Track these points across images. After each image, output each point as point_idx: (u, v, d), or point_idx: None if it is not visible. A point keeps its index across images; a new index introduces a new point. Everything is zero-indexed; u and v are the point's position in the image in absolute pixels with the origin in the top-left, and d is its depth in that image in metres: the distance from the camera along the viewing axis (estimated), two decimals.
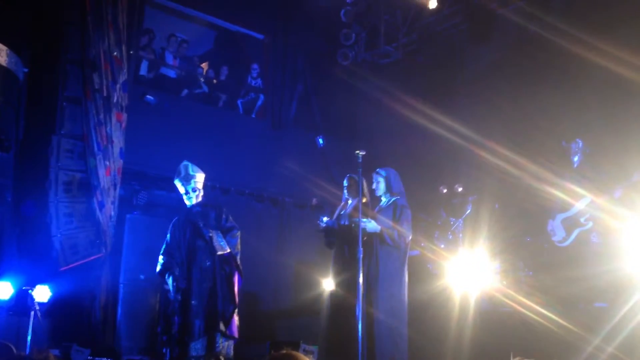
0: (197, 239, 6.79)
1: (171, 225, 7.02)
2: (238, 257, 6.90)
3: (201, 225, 6.77)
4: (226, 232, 6.86)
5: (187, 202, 7.00)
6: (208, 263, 6.76)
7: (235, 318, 6.77)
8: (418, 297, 7.61)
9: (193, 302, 6.63)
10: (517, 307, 7.23)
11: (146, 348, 8.86)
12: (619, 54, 7.31)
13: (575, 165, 7.59)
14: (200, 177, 7.03)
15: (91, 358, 7.37)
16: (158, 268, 6.85)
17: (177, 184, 7.01)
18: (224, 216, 6.98)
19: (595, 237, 7.34)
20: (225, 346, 6.75)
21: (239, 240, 6.92)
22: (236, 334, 6.74)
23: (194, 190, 6.95)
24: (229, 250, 6.78)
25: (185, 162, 7.02)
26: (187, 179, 6.94)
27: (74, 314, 8.18)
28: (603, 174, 7.35)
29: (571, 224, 7.52)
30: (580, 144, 7.56)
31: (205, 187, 10.20)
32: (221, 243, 6.75)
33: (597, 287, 6.67)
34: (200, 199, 7.01)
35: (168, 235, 6.94)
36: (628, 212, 6.85)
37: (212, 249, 6.71)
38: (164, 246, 6.91)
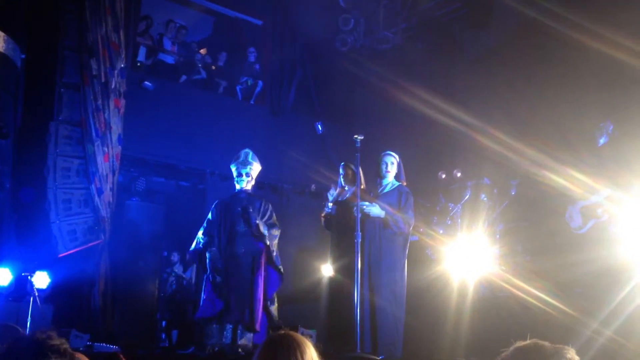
0: (238, 225, 6.91)
1: (214, 205, 7.15)
2: (275, 255, 6.98)
3: (250, 210, 6.87)
4: (269, 227, 6.98)
5: (237, 186, 7.13)
6: (243, 250, 6.86)
7: (260, 311, 6.81)
8: (417, 282, 7.63)
9: (224, 289, 6.72)
10: (515, 292, 7.25)
11: (144, 333, 8.90)
12: (618, 39, 7.29)
13: (599, 145, 7.52)
14: (256, 167, 7.18)
15: (90, 343, 7.37)
16: (193, 246, 7.00)
17: (232, 167, 7.16)
18: (269, 212, 7.11)
19: (608, 229, 7.28)
20: (246, 338, 6.81)
21: (276, 240, 7.01)
22: (259, 328, 6.79)
23: (247, 175, 7.06)
24: (268, 244, 6.88)
25: (247, 149, 7.18)
26: (244, 164, 7.08)
27: (73, 300, 8.20)
28: (610, 162, 7.30)
29: (588, 213, 7.48)
30: (610, 127, 7.45)
31: (204, 173, 10.31)
32: (265, 232, 6.85)
33: (595, 271, 6.67)
34: (249, 187, 7.12)
35: (210, 215, 7.07)
36: (627, 196, 6.84)
37: (258, 236, 6.82)
38: (205, 225, 7.04)
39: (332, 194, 7.21)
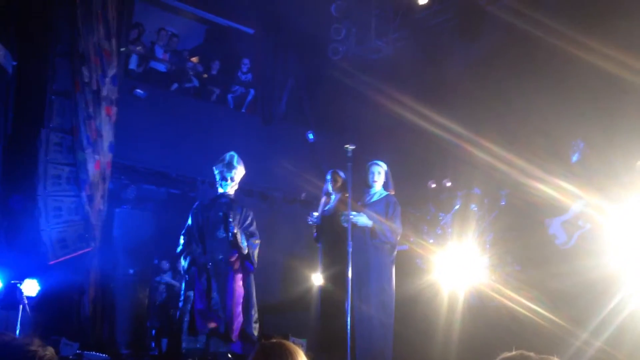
0: (219, 230, 6.76)
1: (194, 208, 6.98)
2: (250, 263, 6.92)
3: (230, 216, 6.70)
4: (249, 236, 6.83)
5: (220, 190, 6.96)
6: (221, 256, 6.70)
7: (240, 321, 6.74)
8: (407, 292, 7.64)
9: (197, 295, 6.64)
10: (505, 302, 7.27)
11: (134, 342, 8.88)
12: (607, 51, 7.35)
13: (573, 161, 7.62)
14: (240, 171, 7.01)
15: (80, 352, 7.36)
16: (179, 248, 6.84)
17: (216, 170, 6.99)
18: (249, 219, 6.94)
19: (593, 237, 7.35)
20: (223, 346, 6.74)
21: (257, 250, 6.90)
22: (236, 338, 6.72)
23: (232, 179, 6.93)
24: (246, 253, 6.74)
25: (232, 152, 7.01)
26: (229, 168, 6.90)
27: (62, 308, 8.16)
28: (596, 173, 7.38)
29: (571, 227, 7.54)
30: (581, 145, 7.57)
31: (194, 181, 10.31)
32: (243, 243, 6.70)
33: (585, 282, 6.71)
34: (232, 191, 6.97)
35: (190, 219, 6.88)
36: (614, 206, 6.89)
37: (235, 244, 6.67)
38: (185, 228, 6.88)
39: (314, 217, 7.19)
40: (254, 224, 6.98)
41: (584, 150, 7.50)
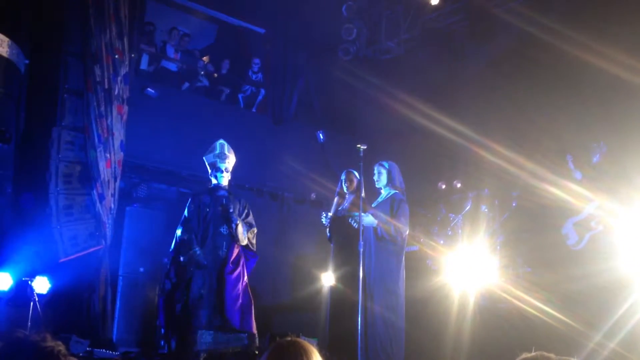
0: (221, 226, 6.65)
1: (190, 201, 6.80)
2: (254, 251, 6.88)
3: (231, 210, 6.61)
4: (248, 227, 6.76)
5: (214, 181, 6.84)
6: (221, 252, 6.58)
7: (241, 313, 6.69)
8: (417, 293, 7.63)
9: (203, 290, 6.54)
10: (516, 303, 7.26)
11: (144, 340, 8.89)
12: (616, 55, 7.35)
13: (593, 163, 7.61)
14: (233, 159, 6.89)
15: (90, 349, 7.38)
16: (174, 244, 6.64)
17: (207, 161, 6.88)
18: (246, 210, 6.85)
19: (605, 239, 7.34)
20: (226, 341, 6.71)
21: (255, 238, 6.84)
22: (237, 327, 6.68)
23: (226, 170, 6.81)
24: (245, 243, 6.67)
25: (221, 141, 6.91)
26: (222, 158, 6.79)
27: (73, 306, 8.17)
28: (607, 175, 7.37)
29: (582, 227, 7.53)
30: (604, 148, 7.56)
31: (205, 180, 10.30)
32: (244, 234, 6.62)
33: (597, 284, 6.69)
34: (226, 182, 6.85)
35: (186, 211, 6.71)
36: (625, 209, 6.88)
37: (235, 238, 6.57)
38: (182, 221, 6.69)
39: (328, 216, 7.15)
40: (251, 214, 6.90)
41: (605, 153, 7.49)
